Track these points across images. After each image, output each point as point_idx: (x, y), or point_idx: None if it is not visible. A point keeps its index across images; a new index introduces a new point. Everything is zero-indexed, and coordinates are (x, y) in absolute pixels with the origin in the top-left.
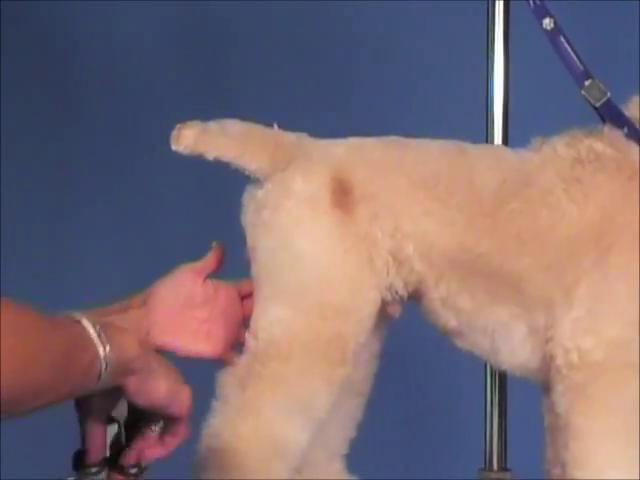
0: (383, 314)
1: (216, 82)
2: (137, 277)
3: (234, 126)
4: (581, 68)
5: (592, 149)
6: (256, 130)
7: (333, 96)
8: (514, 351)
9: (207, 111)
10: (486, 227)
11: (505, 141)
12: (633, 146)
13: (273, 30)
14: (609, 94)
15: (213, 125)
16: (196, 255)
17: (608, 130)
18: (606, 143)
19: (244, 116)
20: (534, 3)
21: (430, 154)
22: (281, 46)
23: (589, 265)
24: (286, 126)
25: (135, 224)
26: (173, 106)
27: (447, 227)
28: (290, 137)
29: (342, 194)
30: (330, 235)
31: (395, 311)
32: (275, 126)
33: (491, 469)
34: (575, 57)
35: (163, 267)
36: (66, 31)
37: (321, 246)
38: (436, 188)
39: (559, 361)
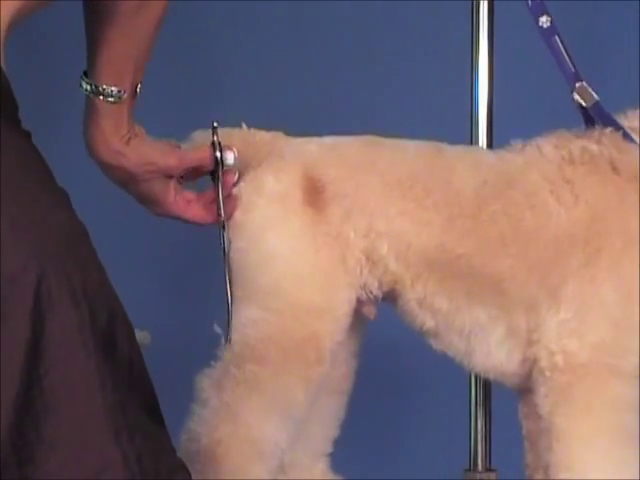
0: (359, 314)
1: (202, 81)
2: None
3: (199, 135)
4: (572, 70)
5: (586, 150)
6: (221, 133)
7: (316, 96)
8: (489, 353)
9: (195, 110)
10: (466, 228)
11: (489, 141)
12: (633, 148)
13: (257, 28)
14: (597, 97)
15: (182, 145)
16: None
17: (607, 132)
18: (603, 144)
19: (231, 115)
20: (532, 1)
21: (406, 154)
22: (264, 44)
23: (577, 266)
24: (267, 124)
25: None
26: (160, 105)
27: (425, 227)
28: (263, 135)
29: (313, 192)
30: (302, 234)
31: (370, 312)
32: (243, 126)
33: (476, 470)
34: (567, 58)
35: None
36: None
37: (293, 245)
38: (412, 188)
39: (543, 363)
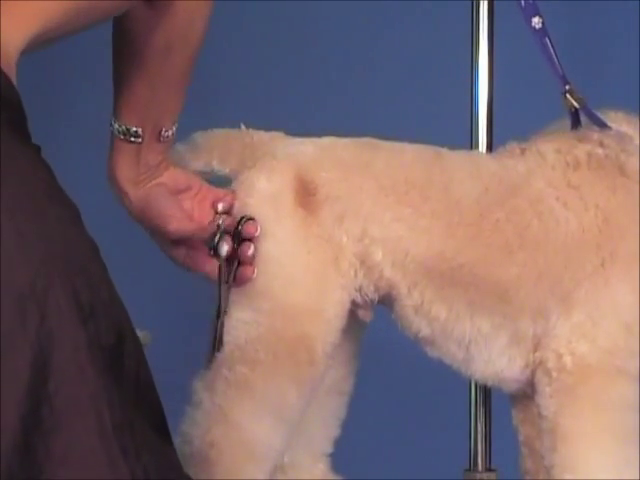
0: (356, 316)
1: (202, 82)
2: None
3: (198, 137)
4: (560, 72)
5: (593, 155)
6: (220, 134)
7: (315, 97)
8: (490, 361)
9: (196, 111)
10: (469, 237)
11: (489, 141)
12: (636, 149)
13: (257, 28)
14: (585, 100)
15: (180, 145)
16: None
17: (609, 133)
18: (608, 147)
19: (229, 117)
20: (525, 1)
21: (403, 158)
22: (264, 45)
23: (590, 270)
24: (267, 126)
25: None
26: None
27: (423, 235)
28: (262, 136)
29: (306, 194)
30: (293, 235)
31: (365, 315)
32: (242, 126)
33: (476, 470)
34: (556, 60)
35: None
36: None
37: (284, 247)
38: (408, 193)
39: (550, 365)
